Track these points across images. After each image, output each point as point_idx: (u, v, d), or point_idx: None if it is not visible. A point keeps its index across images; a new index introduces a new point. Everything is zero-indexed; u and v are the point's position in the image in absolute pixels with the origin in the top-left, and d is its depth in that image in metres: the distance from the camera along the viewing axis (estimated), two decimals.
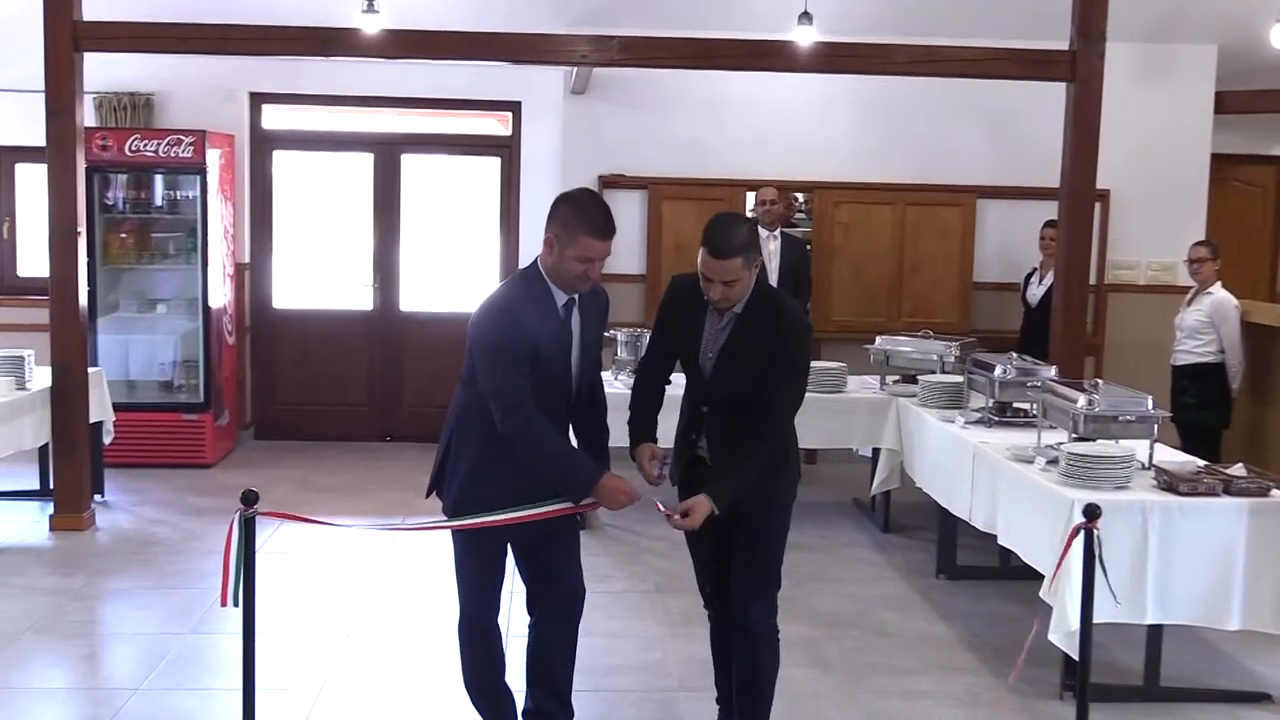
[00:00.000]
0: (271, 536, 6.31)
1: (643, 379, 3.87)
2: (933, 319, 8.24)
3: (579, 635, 3.89)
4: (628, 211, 8.39)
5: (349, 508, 7.03)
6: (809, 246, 8.23)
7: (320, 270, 9.09)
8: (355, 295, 8.99)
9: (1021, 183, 8.48)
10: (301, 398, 8.94)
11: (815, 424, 6.30)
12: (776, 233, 7.59)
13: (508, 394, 3.45)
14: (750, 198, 8.16)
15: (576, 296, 3.62)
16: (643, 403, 3.80)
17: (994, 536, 5.11)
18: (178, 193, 8.07)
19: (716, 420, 3.68)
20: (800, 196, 8.76)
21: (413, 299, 9.00)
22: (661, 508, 3.62)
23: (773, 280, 7.06)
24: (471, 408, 3.60)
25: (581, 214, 3.50)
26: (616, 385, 6.38)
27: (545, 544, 3.72)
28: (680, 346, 3.75)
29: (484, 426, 3.53)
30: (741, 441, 3.57)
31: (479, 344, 3.53)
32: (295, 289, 9.00)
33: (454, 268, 9.12)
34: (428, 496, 3.77)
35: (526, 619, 3.84)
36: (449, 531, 3.72)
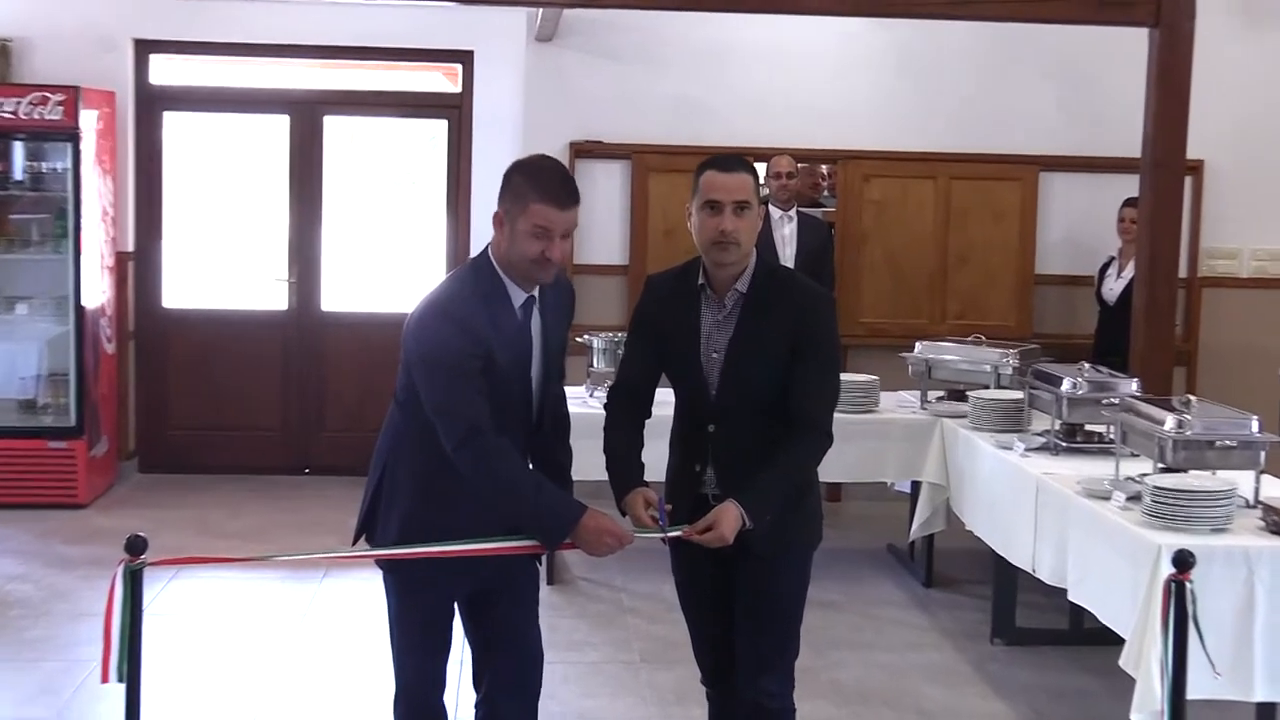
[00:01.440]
0: (160, 594, 6.28)
1: (619, 408, 3.81)
2: (985, 321, 8.27)
3: (542, 715, 3.86)
4: (605, 187, 8.42)
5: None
6: (832, 229, 8.25)
7: (223, 261, 9.08)
8: (266, 292, 8.97)
9: (1095, 152, 8.52)
10: (198, 420, 8.91)
11: (840, 451, 6.20)
12: (792, 213, 7.61)
13: (460, 417, 3.42)
14: (761, 170, 8.16)
15: (537, 292, 3.60)
16: (625, 437, 3.75)
17: (1063, 591, 5.11)
18: (43, 164, 8.05)
19: (727, 441, 3.67)
20: (825, 169, 8.78)
21: (338, 297, 9.00)
22: (665, 529, 3.55)
23: None
24: (410, 432, 3.58)
25: (536, 179, 3.50)
26: (592, 404, 6.36)
27: (501, 593, 3.70)
28: (673, 352, 3.74)
29: (426, 454, 3.51)
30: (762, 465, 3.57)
31: (417, 355, 3.51)
32: (191, 284, 8.98)
33: (390, 257, 9.12)
34: (355, 543, 3.75)
35: (473, 696, 3.81)
36: (382, 590, 3.70)
